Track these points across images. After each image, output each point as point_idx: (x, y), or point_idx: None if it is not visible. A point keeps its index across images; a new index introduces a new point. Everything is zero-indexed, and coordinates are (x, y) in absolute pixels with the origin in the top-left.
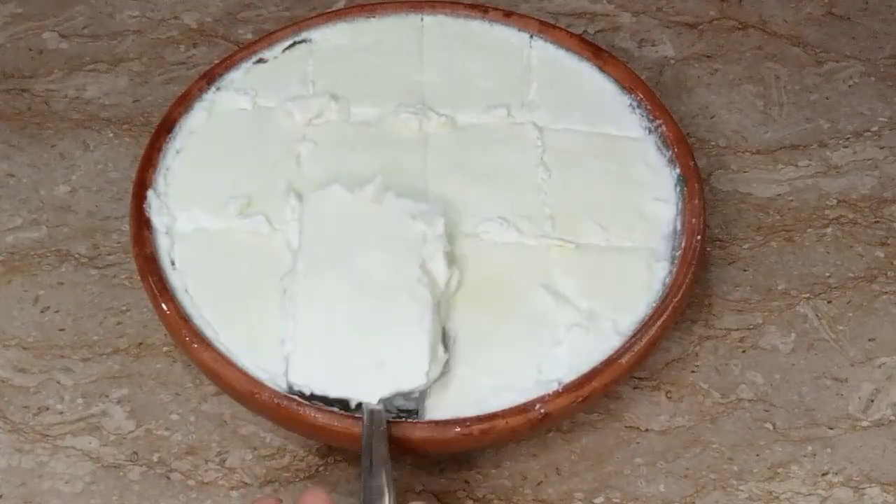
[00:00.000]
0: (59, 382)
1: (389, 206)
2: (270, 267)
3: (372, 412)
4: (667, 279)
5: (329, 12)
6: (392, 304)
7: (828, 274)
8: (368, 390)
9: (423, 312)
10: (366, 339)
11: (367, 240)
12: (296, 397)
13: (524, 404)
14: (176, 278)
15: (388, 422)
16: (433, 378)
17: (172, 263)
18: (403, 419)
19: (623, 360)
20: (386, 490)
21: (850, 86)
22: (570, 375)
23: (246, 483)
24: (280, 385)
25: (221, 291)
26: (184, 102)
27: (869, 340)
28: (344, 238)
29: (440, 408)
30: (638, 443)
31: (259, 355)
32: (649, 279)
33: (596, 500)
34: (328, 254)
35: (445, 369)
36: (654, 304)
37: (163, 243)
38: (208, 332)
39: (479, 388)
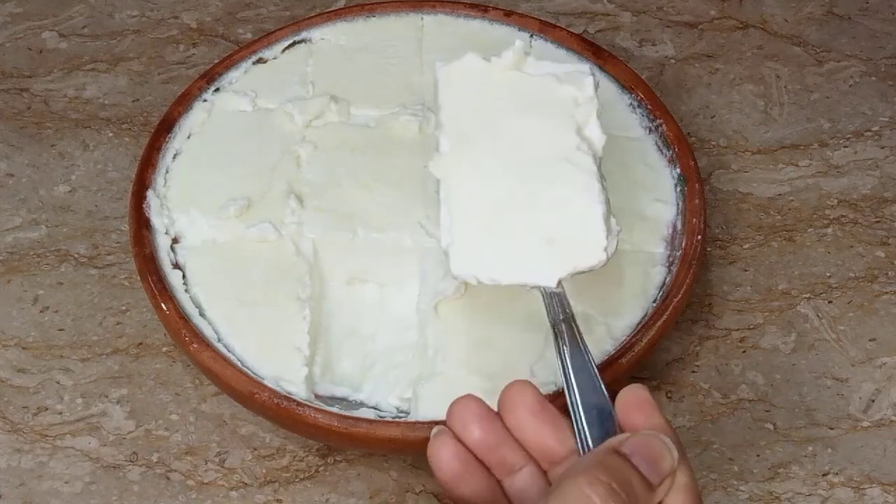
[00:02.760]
0: (58, 382)
1: (532, 71)
2: (282, 274)
3: (552, 295)
4: (663, 284)
5: (329, 12)
6: (553, 175)
7: (828, 274)
8: (543, 272)
9: (590, 182)
10: (531, 216)
11: (513, 109)
12: (295, 397)
13: None
14: (189, 298)
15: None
16: (611, 253)
17: (184, 277)
18: (403, 419)
19: (623, 360)
20: (589, 365)
21: (850, 85)
22: (561, 379)
23: (246, 483)
24: (300, 392)
25: (235, 304)
26: (183, 102)
27: (869, 340)
28: (487, 109)
29: (432, 410)
30: None
31: (278, 366)
32: (645, 284)
33: None
34: (473, 128)
35: (439, 370)
36: (649, 309)
37: (162, 243)
38: (228, 349)
39: (472, 391)
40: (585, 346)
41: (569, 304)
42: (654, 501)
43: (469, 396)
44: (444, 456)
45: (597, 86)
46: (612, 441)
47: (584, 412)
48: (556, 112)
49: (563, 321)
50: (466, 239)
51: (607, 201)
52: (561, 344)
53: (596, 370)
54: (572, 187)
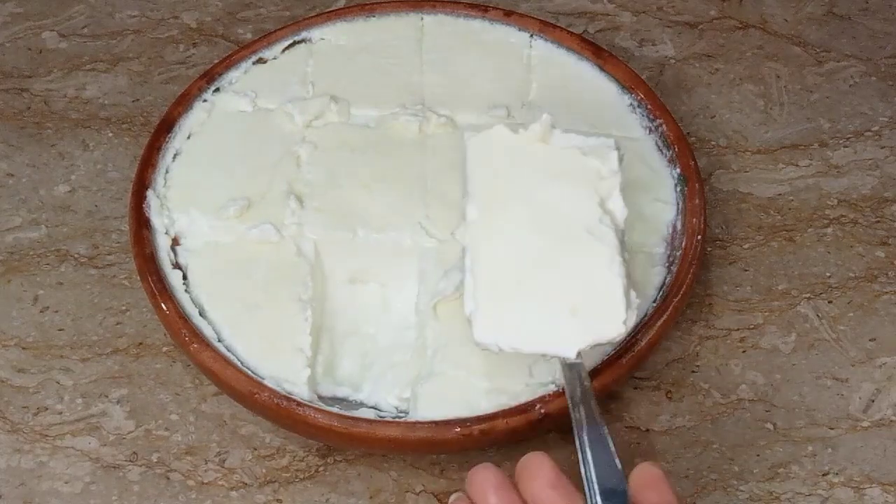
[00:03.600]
0: (58, 382)
1: (557, 143)
2: (283, 275)
3: (571, 366)
4: (663, 284)
5: (329, 12)
6: (576, 247)
7: (828, 274)
8: (564, 343)
9: (612, 256)
10: (553, 286)
11: (538, 180)
12: (295, 397)
13: (524, 404)
14: (190, 298)
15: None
16: (631, 327)
17: (185, 279)
18: (403, 419)
19: (623, 360)
20: (605, 438)
21: (850, 85)
22: (560, 380)
23: (246, 483)
24: (302, 393)
25: (237, 306)
26: (183, 102)
27: (870, 340)
28: (513, 180)
29: (431, 409)
30: (638, 443)
31: (281, 367)
32: (644, 285)
33: None
34: (499, 199)
35: (437, 370)
36: (648, 309)
37: (162, 243)
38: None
39: (471, 391)
40: (602, 420)
41: (587, 376)
42: None
43: (488, 466)
44: None
45: (621, 159)
46: None
47: (599, 488)
48: (580, 184)
49: (580, 394)
50: (490, 307)
51: (628, 275)
52: (578, 417)
53: (613, 445)
54: (595, 260)
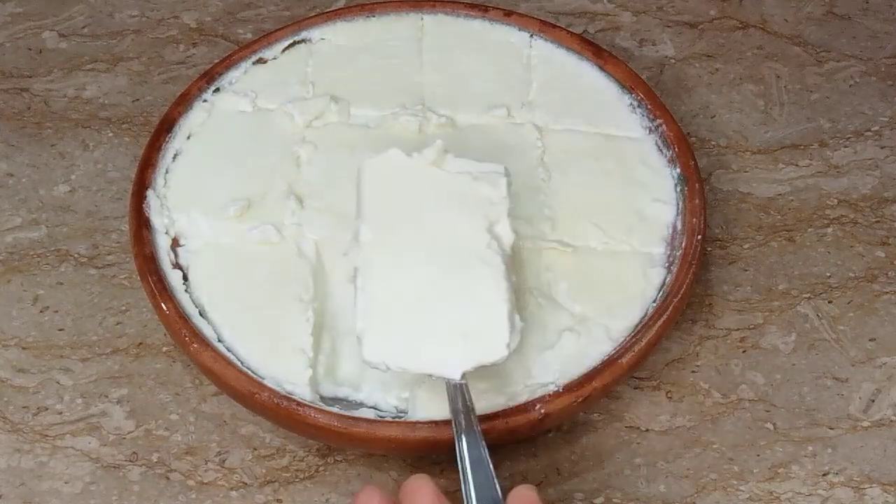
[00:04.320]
0: (58, 382)
1: (450, 168)
2: (283, 276)
3: (456, 386)
4: (663, 284)
5: (329, 12)
6: (465, 272)
7: (828, 274)
8: (450, 364)
9: (498, 280)
10: (441, 309)
11: (431, 204)
12: (295, 397)
13: (524, 404)
14: (191, 299)
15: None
16: (513, 348)
17: (186, 280)
18: (403, 419)
19: (623, 360)
20: (486, 459)
21: (850, 85)
22: (560, 380)
23: (246, 483)
24: (304, 394)
25: (238, 307)
26: (183, 102)
27: (870, 340)
28: (406, 203)
29: (430, 409)
30: (638, 443)
31: (282, 368)
32: (644, 285)
33: (596, 501)
34: (392, 221)
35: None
36: (648, 310)
37: (162, 243)
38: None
39: (470, 391)
40: (482, 440)
41: (470, 396)
42: None
43: (372, 487)
44: None
45: (509, 185)
46: None
47: None
48: (470, 209)
49: (462, 413)
50: (379, 326)
51: (512, 299)
52: (459, 435)
53: (491, 465)
54: (481, 284)
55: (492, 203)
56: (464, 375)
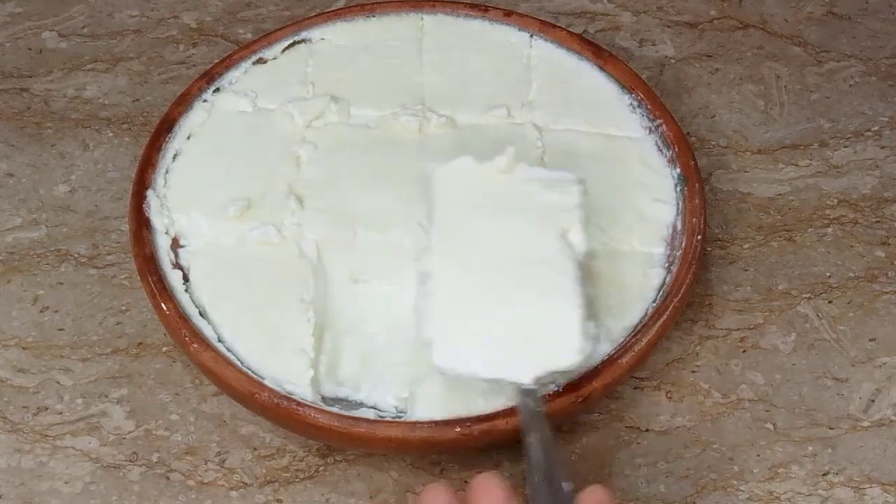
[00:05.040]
0: (58, 382)
1: (521, 176)
2: (284, 276)
3: (527, 391)
4: (663, 284)
5: (329, 12)
6: (537, 277)
7: (828, 274)
8: (521, 370)
9: (572, 286)
10: (513, 315)
11: (502, 211)
12: (295, 397)
13: None
14: (191, 299)
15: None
16: (587, 355)
17: (187, 281)
18: (403, 419)
19: (623, 360)
20: (554, 462)
21: (850, 85)
22: (560, 380)
23: (246, 483)
24: (306, 394)
25: (239, 308)
26: (183, 102)
27: (870, 340)
28: (478, 211)
29: (429, 409)
30: (638, 443)
31: (284, 369)
32: (644, 286)
33: None
34: (463, 228)
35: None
36: (649, 309)
37: (162, 243)
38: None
39: (469, 392)
40: (552, 441)
41: (543, 403)
42: None
43: (438, 486)
44: None
45: (584, 193)
46: None
47: None
48: (542, 216)
49: (533, 420)
50: (449, 333)
51: (587, 305)
52: (528, 435)
53: (559, 466)
54: (554, 290)
55: (564, 210)
56: (535, 381)
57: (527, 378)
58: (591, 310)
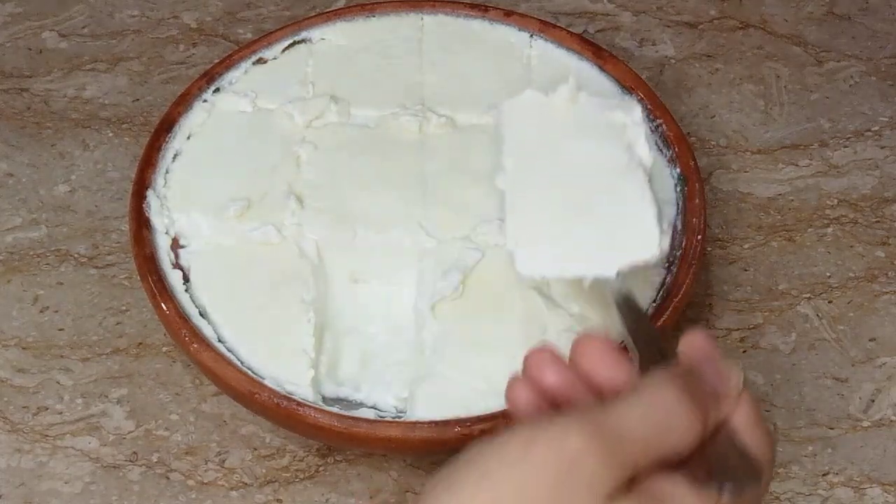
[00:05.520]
0: (58, 382)
1: (584, 103)
2: (284, 277)
3: (626, 299)
4: (663, 284)
5: (329, 12)
6: (608, 187)
7: (828, 274)
8: (604, 265)
9: (643, 189)
10: (589, 219)
11: (569, 132)
12: (295, 397)
13: None
14: (192, 300)
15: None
16: (665, 250)
17: (188, 281)
18: (403, 419)
19: None
20: (664, 346)
21: (850, 85)
22: None
23: (246, 483)
24: (306, 395)
25: (240, 308)
26: (183, 102)
27: (870, 340)
28: (545, 134)
29: (428, 409)
30: None
31: (284, 369)
32: (643, 285)
33: None
34: (533, 149)
35: (435, 370)
36: (648, 310)
37: (162, 243)
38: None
39: (468, 391)
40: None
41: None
42: (721, 412)
43: (543, 346)
44: (521, 396)
45: (646, 112)
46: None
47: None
48: (608, 134)
49: (627, 301)
50: (530, 241)
51: (659, 208)
52: (625, 319)
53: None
54: (627, 195)
55: (627, 127)
56: (618, 275)
57: (611, 271)
58: (661, 212)
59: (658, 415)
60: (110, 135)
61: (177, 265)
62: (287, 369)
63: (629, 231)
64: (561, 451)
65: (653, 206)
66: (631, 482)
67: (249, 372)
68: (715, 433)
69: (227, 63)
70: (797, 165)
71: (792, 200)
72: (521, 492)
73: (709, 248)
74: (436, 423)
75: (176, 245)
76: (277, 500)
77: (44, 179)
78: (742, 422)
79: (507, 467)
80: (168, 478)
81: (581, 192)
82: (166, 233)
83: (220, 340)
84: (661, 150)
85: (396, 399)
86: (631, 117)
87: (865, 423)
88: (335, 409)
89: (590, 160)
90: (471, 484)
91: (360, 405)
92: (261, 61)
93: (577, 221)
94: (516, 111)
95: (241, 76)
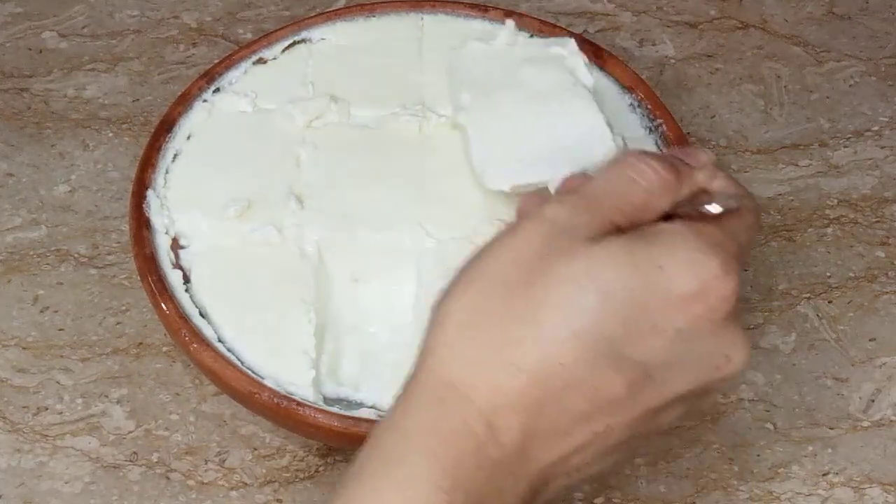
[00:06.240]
0: (58, 382)
1: (523, 43)
2: (285, 277)
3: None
4: None
5: (329, 12)
6: (559, 104)
7: (828, 274)
8: (567, 168)
9: (590, 103)
10: (548, 134)
11: (515, 67)
12: (295, 397)
13: None
14: (192, 301)
15: None
16: (620, 147)
17: (187, 281)
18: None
19: None
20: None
21: (850, 85)
22: None
23: (246, 483)
24: (308, 395)
25: (241, 309)
26: (183, 102)
27: (870, 340)
28: (494, 71)
29: None
30: None
31: (286, 370)
32: None
33: (596, 501)
34: (486, 83)
35: None
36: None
37: (162, 243)
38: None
39: None
40: None
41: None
42: (695, 178)
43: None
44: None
45: (578, 46)
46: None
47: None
48: (551, 64)
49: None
50: (495, 158)
51: (607, 119)
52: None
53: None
54: (577, 109)
55: (566, 58)
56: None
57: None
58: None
59: (623, 169)
60: (110, 135)
61: (177, 265)
62: (288, 370)
63: (585, 138)
64: (541, 220)
65: (601, 115)
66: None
67: (250, 372)
68: (695, 197)
69: (227, 63)
70: (797, 165)
71: (792, 200)
72: (515, 261)
73: None
74: None
75: (176, 246)
76: (277, 500)
77: (44, 179)
78: (721, 185)
79: (500, 244)
80: (168, 478)
81: (536, 112)
82: (166, 233)
83: (220, 340)
84: (661, 150)
85: (394, 398)
86: (568, 48)
87: (865, 423)
88: (335, 409)
89: (539, 85)
90: (468, 271)
91: (360, 405)
92: (261, 61)
93: (537, 136)
94: (464, 58)
95: (241, 76)
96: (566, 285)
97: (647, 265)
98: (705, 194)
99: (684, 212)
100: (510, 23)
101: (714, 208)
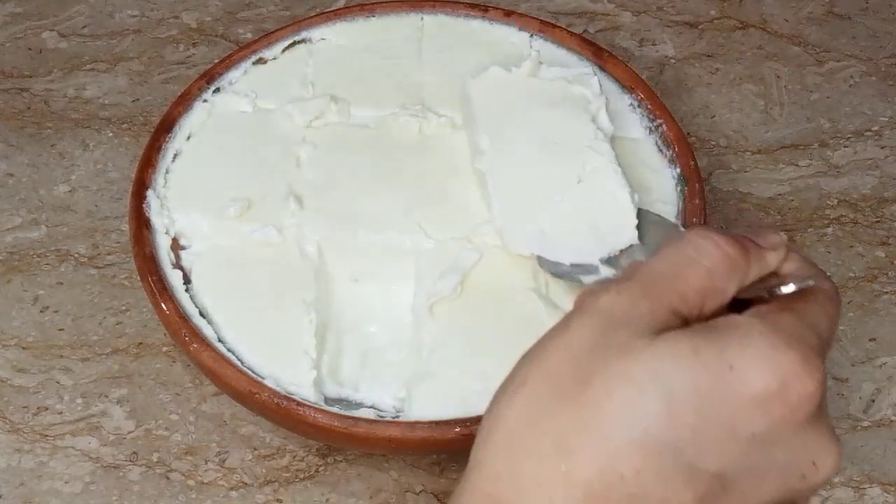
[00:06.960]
0: (58, 382)
1: (545, 76)
2: (285, 277)
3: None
4: None
5: (329, 12)
6: (582, 161)
7: (828, 274)
8: (586, 253)
9: (614, 167)
10: (568, 200)
11: (536, 107)
12: (294, 397)
13: None
14: (192, 301)
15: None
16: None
17: (188, 282)
18: (403, 419)
19: None
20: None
21: (850, 85)
22: None
23: (246, 483)
24: (308, 396)
25: (241, 309)
26: (183, 102)
27: (870, 340)
28: (515, 111)
29: (425, 409)
30: None
31: (287, 370)
32: None
33: None
34: (506, 125)
35: (432, 370)
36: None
37: (162, 243)
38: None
39: (466, 392)
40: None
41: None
42: (765, 260)
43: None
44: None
45: (600, 84)
46: None
47: None
48: (572, 106)
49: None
50: (515, 220)
51: (629, 182)
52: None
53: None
54: (600, 173)
55: (589, 100)
56: (602, 260)
57: (594, 260)
58: (630, 184)
59: (683, 248)
60: (110, 135)
61: (177, 265)
62: (289, 370)
63: (608, 215)
64: (596, 312)
65: (626, 187)
66: (687, 320)
67: (250, 372)
68: (764, 281)
69: (227, 63)
70: (797, 165)
71: (792, 200)
72: (569, 360)
73: None
74: (436, 423)
75: (176, 246)
76: (277, 500)
77: (44, 179)
78: (794, 268)
79: (551, 340)
80: (168, 478)
81: (556, 169)
82: (166, 233)
83: (220, 340)
84: (661, 150)
85: (394, 399)
86: (591, 90)
87: (865, 423)
88: (335, 409)
89: (559, 135)
90: (523, 364)
91: (361, 405)
92: (261, 61)
93: (559, 205)
94: (482, 88)
95: (241, 76)
96: (625, 387)
97: (716, 364)
98: (776, 277)
99: (755, 295)
100: (534, 53)
101: (788, 288)
